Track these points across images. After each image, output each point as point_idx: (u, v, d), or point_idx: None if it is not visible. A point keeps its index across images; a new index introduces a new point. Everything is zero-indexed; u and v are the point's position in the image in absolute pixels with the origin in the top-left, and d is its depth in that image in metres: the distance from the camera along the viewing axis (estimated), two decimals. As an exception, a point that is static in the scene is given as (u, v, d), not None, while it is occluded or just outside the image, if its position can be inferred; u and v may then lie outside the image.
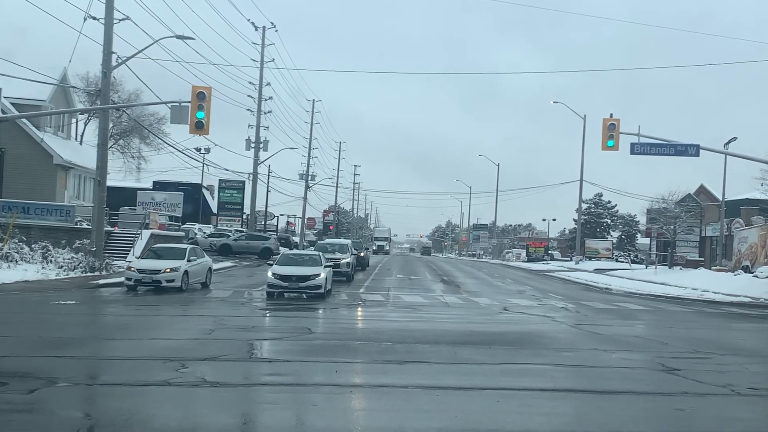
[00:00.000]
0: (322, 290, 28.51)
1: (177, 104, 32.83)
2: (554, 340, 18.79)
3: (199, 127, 32.08)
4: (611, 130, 36.20)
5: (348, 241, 45.15)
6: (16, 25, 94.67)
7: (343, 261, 38.73)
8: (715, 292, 40.55)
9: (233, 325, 19.74)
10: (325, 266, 30.10)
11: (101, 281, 33.10)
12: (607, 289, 45.04)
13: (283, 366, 13.56)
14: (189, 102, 32.13)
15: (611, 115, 36.62)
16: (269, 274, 29.11)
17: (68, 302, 24.93)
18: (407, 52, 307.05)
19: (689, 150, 36.75)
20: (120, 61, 37.85)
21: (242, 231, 70.23)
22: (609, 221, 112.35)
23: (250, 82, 72.48)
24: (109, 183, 71.29)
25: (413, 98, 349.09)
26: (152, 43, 37.85)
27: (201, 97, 31.90)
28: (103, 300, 27.03)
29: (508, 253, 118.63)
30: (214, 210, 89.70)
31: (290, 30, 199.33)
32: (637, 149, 36.72)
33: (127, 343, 16.09)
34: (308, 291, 28.31)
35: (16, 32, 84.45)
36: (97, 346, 15.70)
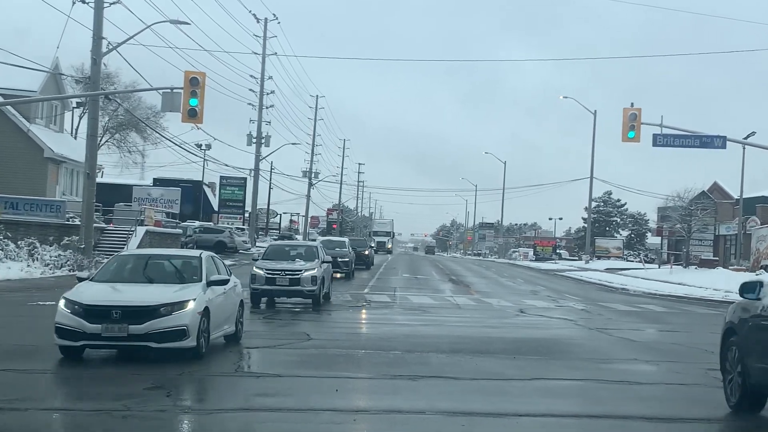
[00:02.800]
0: (187, 339, 12.54)
1: (169, 91, 30.68)
2: (584, 348, 16.61)
3: (192, 115, 29.93)
4: (632, 120, 33.95)
5: (317, 244, 29.31)
6: (12, 25, 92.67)
7: (305, 274, 23.59)
8: (740, 293, 38.30)
9: (222, 330, 17.55)
10: (212, 282, 13.98)
11: (89, 280, 31.00)
12: (623, 289, 42.87)
13: (272, 383, 11.37)
14: (181, 88, 29.98)
15: (632, 105, 34.43)
16: (61, 303, 13.11)
17: (48, 303, 22.76)
18: (409, 51, 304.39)
19: (715, 142, 34.55)
20: (111, 47, 35.76)
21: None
22: (618, 220, 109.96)
23: (251, 76, 70.43)
24: (106, 179, 69.58)
25: (415, 98, 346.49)
26: (145, 29, 35.81)
27: (194, 82, 29.72)
28: (86, 301, 24.88)
29: (514, 252, 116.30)
30: (216, 208, 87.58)
31: (290, 29, 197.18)
32: (659, 141, 34.52)
33: (97, 352, 13.92)
34: (151, 344, 12.41)
35: (12, 32, 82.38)
36: (60, 356, 13.51)
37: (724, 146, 34.70)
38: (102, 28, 35.45)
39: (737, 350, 10.39)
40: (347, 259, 38.12)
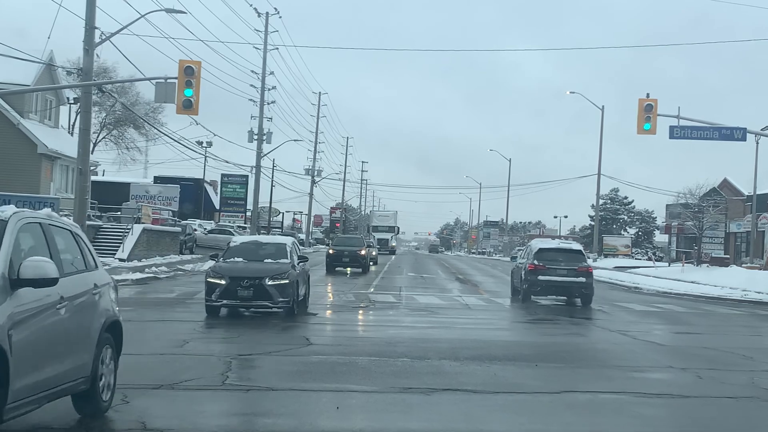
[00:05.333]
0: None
1: (162, 81, 29.18)
2: (610, 354, 15.12)
3: (187, 106, 28.43)
4: (648, 111, 32.38)
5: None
6: (9, 25, 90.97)
7: None
8: (758, 292, 36.83)
9: (214, 334, 16.14)
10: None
11: (79, 280, 29.55)
12: (636, 288, 41.37)
13: (263, 398, 9.87)
14: (176, 78, 28.50)
15: (647, 95, 32.89)
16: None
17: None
18: (411, 50, 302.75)
19: (735, 134, 33.00)
20: (104, 37, 34.25)
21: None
22: (626, 217, 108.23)
23: (252, 71, 68.94)
24: (107, 177, 68.16)
25: (418, 96, 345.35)
26: (139, 18, 34.27)
27: (189, 72, 28.23)
28: (73, 302, 23.42)
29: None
30: (217, 206, 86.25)
31: (292, 25, 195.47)
32: (676, 133, 32.97)
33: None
34: None
35: (9, 32, 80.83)
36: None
37: (744, 138, 33.21)
38: (95, 16, 33.92)
39: (513, 278, 30.45)
40: (285, 281, 19.63)
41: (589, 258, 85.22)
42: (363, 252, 42.62)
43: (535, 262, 26.98)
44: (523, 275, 27.62)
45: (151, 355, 13.28)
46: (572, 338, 17.70)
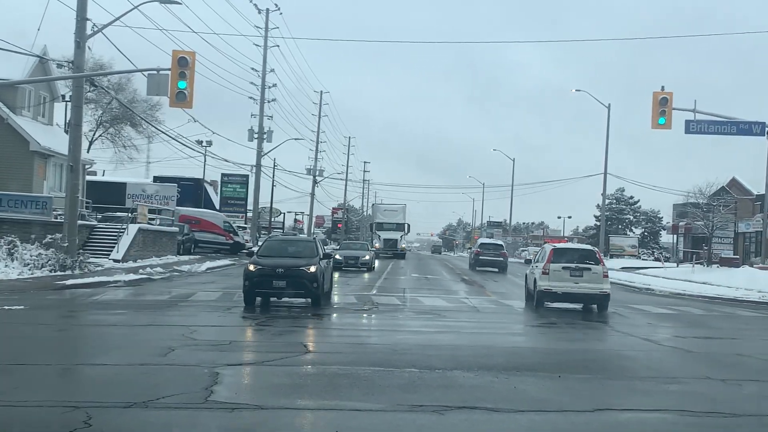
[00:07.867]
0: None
1: (155, 72, 27.86)
2: (638, 362, 13.77)
3: (181, 99, 27.13)
4: (663, 105, 31.08)
5: None
6: (11, 26, 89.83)
7: None
8: (776, 294, 35.53)
9: (203, 341, 14.75)
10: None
11: (69, 281, 28.27)
12: (647, 289, 40.08)
13: (251, 419, 8.49)
14: (169, 69, 27.18)
15: (662, 88, 31.58)
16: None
17: (16, 307, 20.07)
18: (411, 49, 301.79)
19: (753, 128, 31.67)
20: (96, 29, 32.96)
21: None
22: (631, 217, 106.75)
23: (252, 68, 67.74)
24: (105, 177, 66.92)
25: (419, 96, 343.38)
26: (132, 9, 32.99)
27: (183, 63, 26.93)
28: (60, 305, 22.09)
29: (524, 251, 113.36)
30: (217, 206, 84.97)
31: (291, 27, 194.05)
32: (692, 128, 31.66)
33: (39, 372, 11.15)
34: None
35: (7, 33, 79.65)
36: (-10, 378, 10.73)
37: (762, 133, 31.86)
38: (86, 8, 32.67)
39: (469, 259, 59.69)
40: None
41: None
42: (312, 269, 22.32)
43: (478, 249, 54.44)
44: (471, 257, 55.24)
45: (130, 366, 11.93)
46: (592, 344, 16.36)
